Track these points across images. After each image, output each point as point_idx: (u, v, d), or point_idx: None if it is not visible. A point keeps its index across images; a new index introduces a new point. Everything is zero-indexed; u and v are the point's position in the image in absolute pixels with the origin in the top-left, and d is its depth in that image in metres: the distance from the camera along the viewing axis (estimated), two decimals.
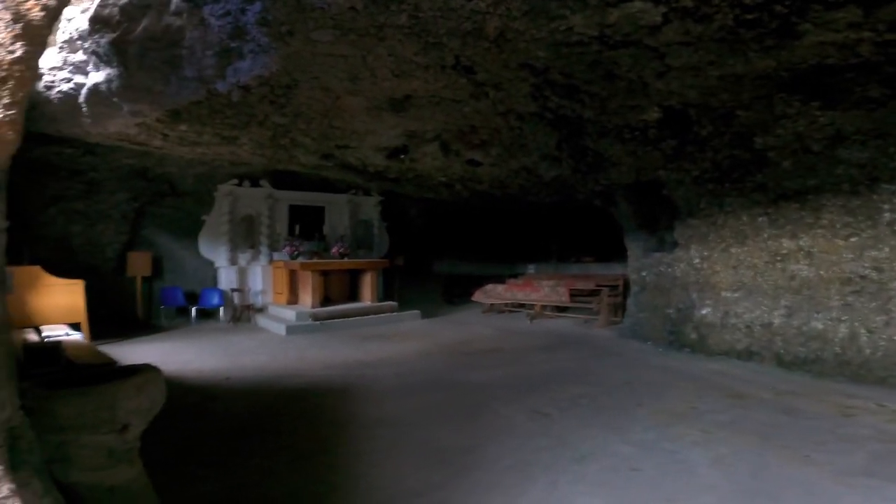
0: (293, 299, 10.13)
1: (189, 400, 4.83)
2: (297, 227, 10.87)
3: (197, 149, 6.99)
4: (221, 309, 10.04)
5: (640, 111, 5.03)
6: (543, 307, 10.32)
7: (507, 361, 6.54)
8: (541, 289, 10.12)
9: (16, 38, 1.43)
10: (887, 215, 5.14)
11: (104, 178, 8.69)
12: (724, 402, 4.68)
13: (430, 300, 12.37)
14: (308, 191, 11.26)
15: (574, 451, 3.61)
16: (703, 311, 6.83)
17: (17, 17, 1.43)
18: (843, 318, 5.47)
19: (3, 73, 1.44)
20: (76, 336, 5.94)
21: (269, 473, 3.28)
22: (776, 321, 6.04)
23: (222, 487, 3.08)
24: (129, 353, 6.90)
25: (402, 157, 7.12)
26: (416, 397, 4.96)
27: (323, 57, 4.10)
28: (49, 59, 4.48)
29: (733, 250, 6.52)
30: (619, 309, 9.25)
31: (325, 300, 9.99)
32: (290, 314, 9.33)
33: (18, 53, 1.45)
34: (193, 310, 9.72)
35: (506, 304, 11.07)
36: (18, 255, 7.34)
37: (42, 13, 1.46)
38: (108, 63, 4.22)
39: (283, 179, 10.64)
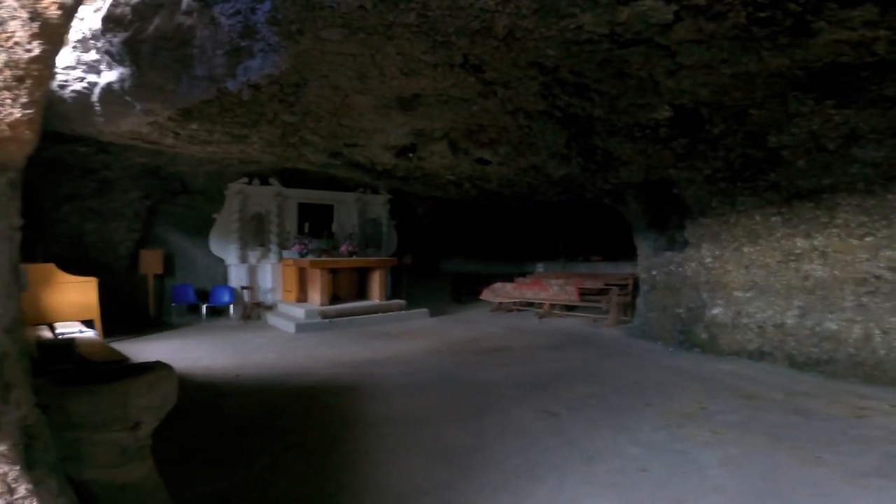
0: (302, 297, 10.18)
1: (199, 397, 4.87)
2: (307, 226, 10.92)
3: (208, 147, 7.05)
4: (232, 306, 10.11)
5: (651, 110, 4.99)
6: (552, 306, 10.28)
7: (516, 360, 6.53)
8: (549, 288, 10.08)
9: (33, 36, 1.44)
10: None
11: (117, 177, 8.78)
12: (734, 403, 4.64)
13: (439, 298, 12.38)
14: (317, 189, 11.30)
15: (582, 452, 3.59)
16: (714, 311, 6.78)
17: (34, 16, 1.44)
18: (857, 319, 5.40)
19: (21, 72, 1.45)
20: (89, 333, 6.02)
21: (277, 471, 3.30)
22: (789, 321, 5.97)
23: (231, 485, 3.10)
24: (141, 350, 6.98)
25: (411, 155, 7.12)
26: (424, 396, 4.96)
27: (332, 55, 4.11)
28: (62, 59, 4.53)
29: (745, 250, 6.46)
30: (629, 308, 9.20)
31: (334, 298, 10.03)
32: (299, 312, 9.38)
33: (36, 52, 1.46)
34: (204, 307, 9.80)
35: (514, 303, 11.04)
36: (33, 253, 7.44)
37: (59, 11, 1.47)
38: (120, 62, 4.26)
39: (292, 178, 10.69)
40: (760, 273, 6.30)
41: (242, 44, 3.87)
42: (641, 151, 6.06)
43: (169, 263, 9.91)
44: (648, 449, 3.63)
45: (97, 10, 3.70)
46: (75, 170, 8.31)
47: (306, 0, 3.31)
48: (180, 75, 4.40)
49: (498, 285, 10.99)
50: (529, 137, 6.12)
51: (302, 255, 10.29)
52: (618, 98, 4.80)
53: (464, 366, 6.24)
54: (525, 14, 3.39)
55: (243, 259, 10.46)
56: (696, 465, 3.35)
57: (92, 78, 4.71)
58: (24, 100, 1.48)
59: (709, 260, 6.89)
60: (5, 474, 1.44)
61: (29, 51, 1.46)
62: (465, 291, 12.97)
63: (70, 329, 5.97)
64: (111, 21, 3.67)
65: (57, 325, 6.33)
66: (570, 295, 9.57)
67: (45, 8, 1.45)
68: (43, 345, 4.69)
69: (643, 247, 8.15)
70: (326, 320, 9.08)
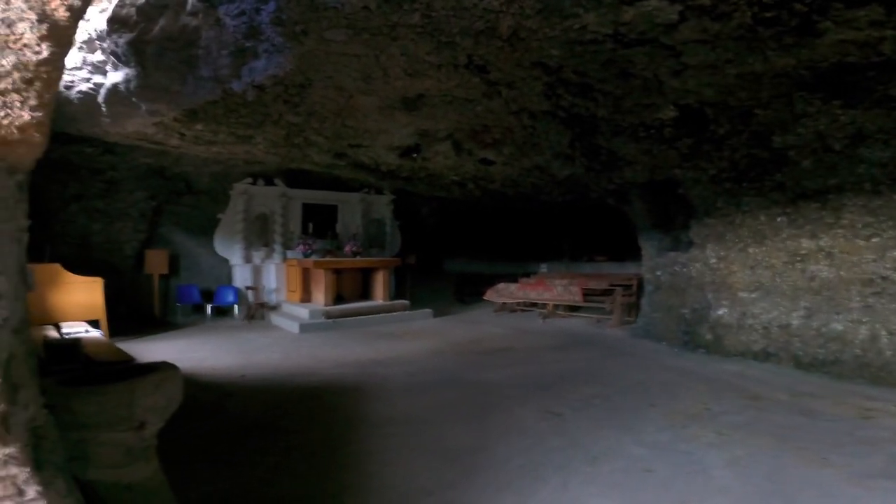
0: (306, 297, 10.20)
1: (204, 397, 4.88)
2: (311, 226, 10.94)
3: (212, 148, 7.07)
4: (236, 306, 10.15)
5: (656, 110, 4.98)
6: (556, 306, 10.27)
7: (520, 361, 6.53)
8: (553, 288, 10.07)
9: (41, 38, 1.44)
10: None
11: (123, 177, 8.82)
12: (739, 404, 4.62)
13: (442, 299, 12.38)
14: (321, 189, 11.33)
15: (586, 452, 3.59)
16: (719, 312, 6.75)
17: (43, 18, 1.44)
18: (863, 320, 5.37)
19: (30, 75, 1.45)
20: (95, 333, 6.04)
21: (281, 472, 3.31)
22: (794, 322, 5.95)
23: (235, 485, 3.11)
24: (147, 350, 7.01)
25: (415, 155, 7.13)
26: (427, 396, 4.97)
27: (336, 56, 4.12)
28: (68, 59, 4.55)
29: (751, 250, 6.43)
30: (633, 309, 9.18)
31: (338, 298, 10.05)
32: (303, 312, 9.39)
33: (45, 55, 1.46)
34: (209, 307, 9.84)
35: (518, 304, 11.03)
36: (40, 253, 7.48)
37: (67, 13, 1.47)
38: (126, 63, 4.28)
39: (296, 178, 10.72)
40: (766, 274, 6.27)
41: (247, 44, 3.89)
42: (646, 151, 6.04)
43: (174, 263, 9.95)
44: (653, 449, 3.62)
45: (103, 10, 3.72)
46: (82, 170, 8.35)
47: (310, 1, 3.32)
48: (185, 76, 4.42)
49: (501, 286, 10.98)
50: (533, 138, 6.11)
51: (306, 256, 10.31)
52: (622, 98, 4.79)
53: (467, 366, 6.24)
54: (529, 14, 3.39)
55: (247, 259, 10.49)
56: (701, 465, 3.34)
57: (98, 79, 4.74)
58: (32, 102, 1.48)
59: (714, 260, 6.87)
60: (15, 476, 1.45)
61: (38, 53, 1.46)
62: (468, 292, 12.97)
63: (76, 329, 6.00)
64: (116, 22, 3.69)
65: (63, 324, 6.35)
66: (573, 295, 9.56)
67: (54, 10, 1.46)
68: (49, 345, 4.71)
69: (648, 247, 8.13)
70: (330, 320, 9.10)
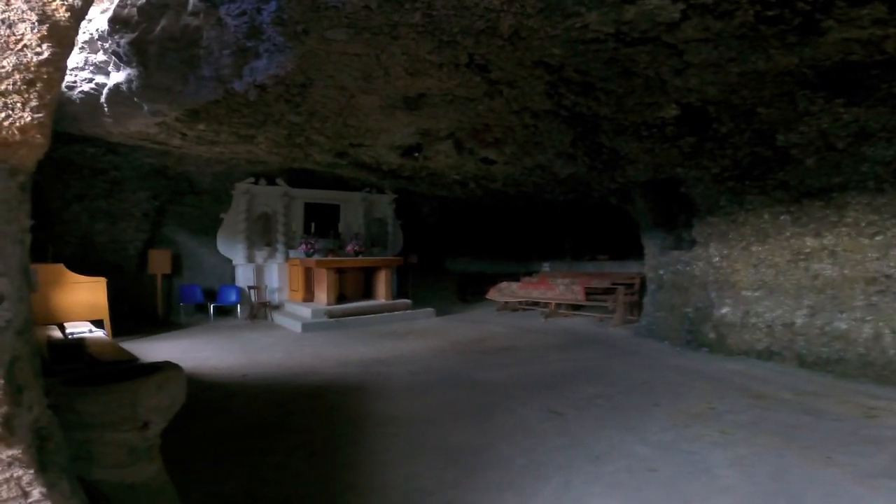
0: (309, 297, 10.22)
1: (206, 397, 4.89)
2: (313, 225, 10.95)
3: (215, 148, 7.08)
4: (239, 306, 10.17)
5: (658, 108, 4.97)
6: (558, 305, 10.26)
7: (522, 360, 6.52)
8: (555, 287, 10.06)
9: (42, 39, 1.44)
10: None
11: (126, 177, 8.84)
12: (743, 403, 4.61)
13: (444, 298, 12.38)
14: (323, 189, 11.34)
15: (589, 452, 3.58)
16: (723, 311, 6.74)
17: (44, 18, 1.44)
18: (867, 319, 5.35)
19: (31, 76, 1.45)
20: (99, 333, 6.07)
21: (284, 471, 3.31)
22: (798, 321, 5.93)
23: (239, 485, 3.12)
24: (150, 349, 7.02)
25: (416, 155, 7.12)
26: (430, 395, 4.97)
27: (337, 56, 4.12)
28: (70, 60, 4.57)
29: (754, 249, 6.41)
30: (636, 308, 9.16)
31: (340, 298, 10.06)
32: (305, 311, 9.41)
33: (46, 55, 1.46)
34: (211, 307, 9.86)
35: (520, 303, 11.02)
36: (42, 253, 7.51)
37: (68, 13, 1.47)
38: (128, 63, 4.29)
39: (298, 178, 10.73)
40: (769, 272, 6.25)
41: (248, 44, 3.89)
42: (648, 150, 6.03)
43: (177, 263, 9.97)
44: (656, 449, 3.61)
45: (104, 11, 3.73)
46: (84, 170, 8.37)
47: (311, 0, 3.32)
48: (187, 76, 4.43)
49: (504, 284, 10.97)
50: (535, 137, 6.10)
51: (308, 255, 10.33)
52: (624, 97, 4.78)
53: (470, 365, 6.24)
54: (530, 13, 3.38)
55: (250, 259, 10.51)
56: (705, 465, 3.33)
57: (100, 79, 4.75)
58: (34, 103, 1.48)
59: (717, 259, 6.85)
60: (20, 478, 1.45)
61: (38, 54, 1.46)
62: (470, 291, 12.97)
63: (80, 329, 6.03)
64: (118, 22, 3.70)
65: (67, 324, 6.39)
66: (576, 294, 9.54)
67: (55, 10, 1.46)
68: (53, 345, 4.74)
69: (650, 246, 8.11)
70: (333, 320, 9.11)
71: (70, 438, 1.91)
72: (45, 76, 1.49)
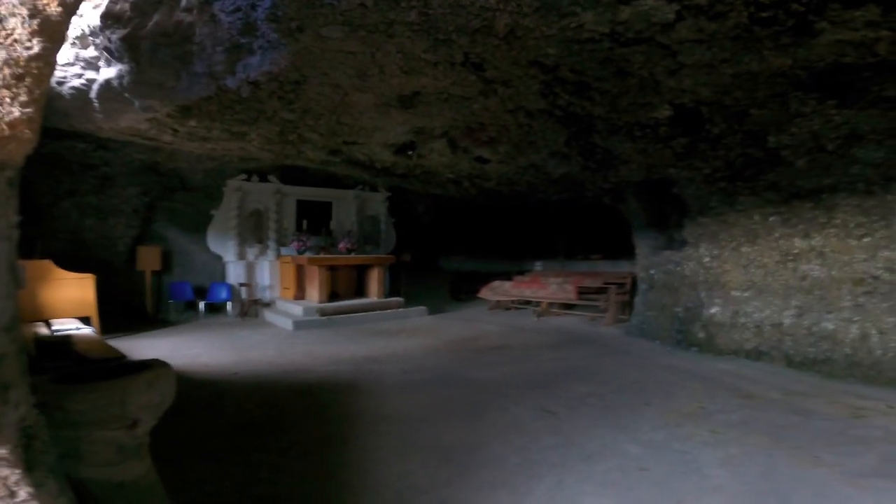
0: (300, 294, 10.17)
1: (197, 395, 4.86)
2: (305, 223, 10.91)
3: (206, 144, 7.02)
4: (229, 303, 10.10)
5: (651, 109, 4.98)
6: (550, 304, 10.29)
7: (515, 359, 6.54)
8: (548, 286, 10.09)
9: (33, 33, 1.42)
10: None
11: (116, 173, 8.75)
12: (733, 403, 4.65)
13: (437, 296, 12.38)
14: (316, 186, 11.30)
15: (581, 451, 3.60)
16: (712, 310, 6.79)
17: (35, 13, 1.42)
18: (854, 319, 5.41)
19: (20, 70, 1.43)
20: (86, 330, 6.00)
21: (276, 469, 3.29)
22: (786, 321, 5.99)
23: (230, 483, 3.10)
24: (139, 347, 6.96)
25: (410, 153, 7.10)
26: (423, 394, 4.96)
27: (332, 53, 4.09)
28: (61, 55, 4.51)
29: (744, 249, 6.47)
30: (627, 307, 9.21)
31: (332, 296, 10.03)
32: (297, 309, 9.37)
33: (36, 50, 1.44)
34: (202, 304, 9.79)
35: (512, 301, 11.05)
36: (30, 249, 7.41)
37: (60, 9, 1.45)
38: (119, 59, 4.24)
39: (291, 175, 10.68)
40: (758, 273, 6.31)
41: (242, 41, 3.85)
42: (642, 150, 6.05)
43: (167, 260, 9.89)
44: (648, 448, 3.63)
45: (96, 6, 3.68)
46: (74, 166, 8.28)
47: None
48: (180, 72, 4.38)
49: (496, 283, 10.99)
50: (529, 136, 6.10)
51: (300, 253, 10.29)
52: (618, 97, 4.79)
53: (462, 364, 6.24)
54: (526, 12, 3.38)
55: (241, 256, 10.45)
56: (696, 464, 3.35)
57: (90, 74, 4.68)
58: (23, 98, 1.46)
59: (707, 259, 6.90)
60: (6, 478, 1.43)
61: (29, 48, 1.44)
62: (464, 289, 12.98)
63: (67, 326, 5.95)
64: (110, 17, 3.65)
65: (54, 321, 6.30)
66: (568, 293, 9.58)
67: (46, 5, 1.44)
68: (40, 342, 4.67)
69: (642, 246, 8.15)
70: (325, 318, 9.08)
71: (57, 437, 1.89)
72: (35, 71, 1.47)
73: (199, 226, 10.21)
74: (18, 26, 1.42)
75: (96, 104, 5.13)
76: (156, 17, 3.58)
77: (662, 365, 6.13)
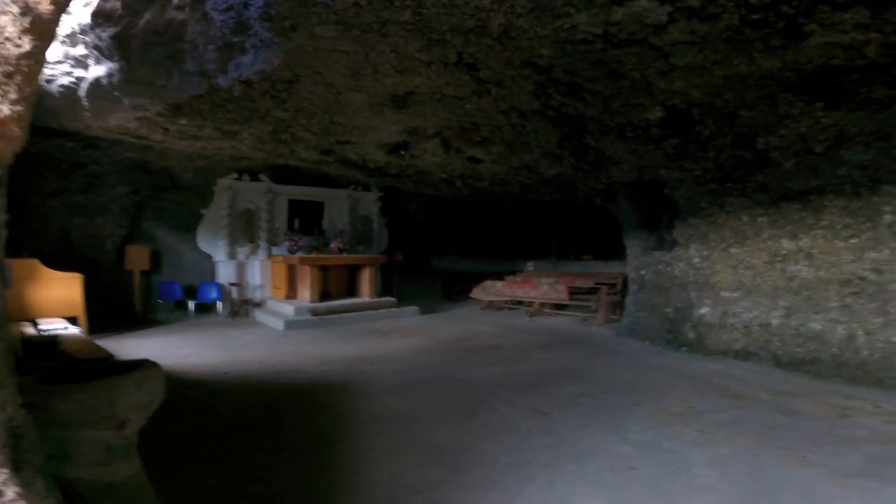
0: (292, 294, 10.13)
1: (187, 395, 4.82)
2: (297, 222, 10.86)
3: (197, 143, 6.97)
4: (219, 303, 10.03)
5: (643, 110, 5.02)
6: (542, 305, 10.32)
7: (506, 359, 6.55)
8: (540, 286, 10.12)
9: (24, 31, 1.41)
10: (888, 217, 5.14)
11: (105, 172, 8.66)
12: (722, 402, 4.69)
13: (429, 296, 12.37)
14: (308, 186, 11.25)
15: (573, 450, 3.61)
16: (702, 311, 6.84)
17: (26, 11, 1.40)
18: (841, 320, 5.47)
19: (10, 68, 1.42)
20: (74, 330, 5.93)
21: (268, 469, 3.28)
22: (774, 321, 6.05)
23: (222, 484, 3.08)
24: (128, 347, 6.90)
25: (403, 153, 7.10)
26: (415, 394, 4.96)
27: (325, 52, 4.08)
28: (50, 53, 4.45)
29: (733, 250, 6.52)
30: (618, 307, 9.26)
31: (324, 295, 10.00)
32: (288, 309, 9.33)
33: (26, 48, 1.43)
34: (192, 304, 9.71)
35: (504, 302, 11.07)
36: (18, 248, 7.32)
37: (51, 7, 1.44)
38: (109, 57, 4.20)
39: (283, 174, 10.63)
40: (747, 273, 6.37)
41: (234, 39, 3.83)
42: (633, 151, 6.09)
43: (156, 259, 9.80)
44: (638, 448, 3.65)
45: (87, 4, 3.64)
46: (63, 164, 8.19)
47: None
48: (171, 70, 4.35)
49: (488, 283, 11.00)
50: (522, 136, 6.12)
51: (292, 252, 10.23)
52: (611, 98, 4.82)
53: (454, 364, 6.25)
54: (520, 13, 3.39)
55: (232, 255, 10.38)
56: (685, 464, 3.38)
57: (80, 73, 4.64)
58: (13, 96, 1.45)
59: (697, 260, 6.95)
60: None
61: (19, 46, 1.42)
62: (456, 289, 12.99)
63: (54, 325, 5.88)
64: (101, 16, 3.61)
65: (41, 321, 6.23)
66: (559, 293, 9.61)
67: (37, 3, 1.42)
68: (27, 342, 4.62)
69: (633, 246, 8.20)
70: (316, 317, 9.04)
71: (45, 437, 1.87)
72: (25, 69, 1.46)
73: (189, 225, 10.13)
74: (9, 24, 1.40)
75: (85, 103, 5.08)
76: (147, 16, 3.56)
77: (653, 365, 6.17)
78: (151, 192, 9.60)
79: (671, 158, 6.11)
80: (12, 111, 1.46)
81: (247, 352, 6.85)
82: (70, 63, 4.55)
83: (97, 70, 4.45)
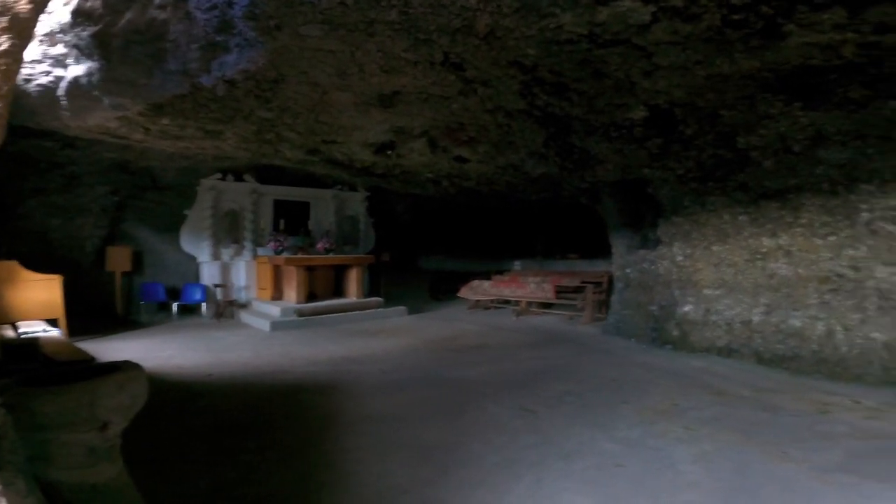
0: (277, 295, 10.04)
1: (171, 397, 4.76)
2: (282, 223, 10.78)
3: (179, 143, 6.88)
4: (204, 305, 9.91)
5: (627, 109, 5.07)
6: (529, 304, 10.37)
7: (493, 358, 6.57)
8: (526, 285, 10.16)
9: (2, 31, 1.38)
10: (865, 215, 5.25)
11: (84, 172, 8.50)
12: (706, 399, 4.75)
13: (417, 296, 12.36)
14: (293, 186, 11.17)
15: (560, 449, 3.64)
16: (686, 309, 6.93)
17: (4, 10, 1.38)
18: (820, 316, 5.58)
19: None
20: (54, 332, 5.82)
21: (255, 471, 3.25)
22: (755, 318, 6.15)
23: (209, 485, 3.05)
24: (110, 349, 6.79)
25: (389, 152, 7.08)
26: (402, 394, 4.95)
27: (311, 52, 4.05)
28: (28, 52, 4.36)
29: (715, 248, 6.62)
30: (604, 306, 9.34)
31: (311, 296, 9.92)
32: (274, 310, 9.25)
33: (4, 47, 1.40)
34: (175, 305, 9.58)
35: (492, 301, 11.10)
36: None
37: (30, 6, 1.42)
38: (89, 56, 4.12)
39: (268, 174, 10.53)
40: (729, 271, 6.46)
41: (218, 39, 3.79)
42: (617, 151, 6.15)
43: (138, 261, 9.65)
44: (624, 445, 3.69)
45: (66, 3, 3.57)
46: (41, 164, 8.03)
47: None
48: (152, 70, 4.29)
49: (475, 283, 11.02)
50: (508, 136, 6.15)
51: (277, 253, 10.15)
52: (595, 98, 4.86)
53: (442, 363, 6.25)
54: (506, 13, 3.40)
55: (216, 256, 10.26)
56: (671, 461, 3.42)
57: (58, 72, 4.55)
58: None
59: (680, 258, 7.04)
60: None
61: None
62: (443, 289, 12.99)
63: (34, 328, 5.77)
64: (81, 15, 3.55)
65: (20, 324, 6.10)
66: (546, 292, 9.66)
67: (15, 2, 1.40)
68: (6, 344, 4.52)
69: (618, 245, 8.28)
70: (303, 318, 8.98)
71: (26, 439, 1.85)
72: (3, 67, 1.43)
73: (171, 225, 9.99)
74: None
75: (64, 102, 4.98)
76: (128, 15, 3.50)
77: (638, 363, 6.24)
78: (132, 192, 9.45)
79: (654, 158, 6.18)
80: None
81: (232, 353, 6.78)
82: (49, 62, 4.46)
83: (76, 69, 4.37)
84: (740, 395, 4.89)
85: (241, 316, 9.69)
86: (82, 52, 4.06)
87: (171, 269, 10.06)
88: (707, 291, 6.70)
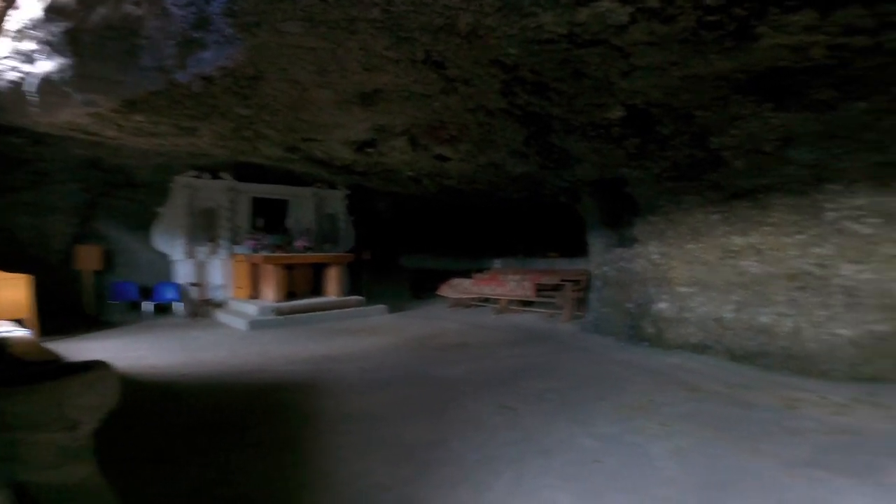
0: (255, 294, 9.92)
1: (146, 396, 4.67)
2: (261, 221, 10.63)
3: (153, 140, 6.73)
4: (176, 304, 9.72)
5: (605, 109, 5.13)
6: (509, 302, 10.43)
7: (474, 356, 6.60)
8: (506, 283, 10.22)
9: None
10: (830, 214, 5.41)
11: (54, 169, 8.26)
12: (681, 396, 4.85)
13: (398, 294, 12.33)
14: (272, 183, 11.02)
15: (539, 445, 3.68)
16: (661, 306, 7.06)
17: None
18: (788, 313, 5.73)
19: None
20: (21, 333, 5.64)
21: (234, 471, 3.21)
22: (727, 316, 6.29)
23: (186, 486, 3.01)
24: (81, 349, 6.63)
25: (370, 150, 7.05)
26: (383, 392, 4.95)
27: (291, 49, 4.01)
28: None
29: (689, 246, 6.75)
30: (583, 304, 9.45)
31: (289, 295, 9.82)
32: (251, 309, 9.13)
33: None
34: (148, 304, 9.38)
35: (472, 299, 11.14)
36: None
37: (2, 3, 1.38)
38: (60, 52, 4.00)
39: (246, 171, 10.38)
40: (702, 269, 6.60)
41: (195, 35, 3.71)
42: (596, 150, 6.22)
43: (109, 259, 9.42)
44: (603, 441, 3.75)
45: None
46: (8, 162, 7.76)
47: None
48: (126, 66, 4.18)
49: (456, 281, 11.05)
50: (489, 135, 6.17)
51: (255, 251, 10.01)
52: (575, 97, 4.91)
53: (423, 362, 6.26)
54: (488, 12, 3.41)
55: (190, 254, 10.07)
56: (647, 457, 3.49)
57: (27, 67, 4.40)
58: None
59: (656, 256, 7.17)
60: None
61: None
62: (424, 287, 12.98)
63: (1, 328, 5.58)
64: (53, 10, 3.44)
65: None
66: (526, 291, 9.73)
67: None
68: None
69: (596, 244, 8.39)
70: (281, 317, 8.89)
71: None
72: None
73: (144, 223, 9.78)
74: None
75: (33, 98, 4.82)
76: (102, 11, 3.40)
77: (616, 360, 6.34)
78: (104, 189, 9.21)
79: (632, 157, 6.27)
80: None
81: (208, 352, 6.67)
82: (18, 58, 4.31)
83: (46, 65, 4.23)
84: (713, 391, 5.00)
85: (218, 315, 9.54)
86: (54, 48, 3.94)
87: (144, 267, 9.85)
88: (681, 289, 6.84)
